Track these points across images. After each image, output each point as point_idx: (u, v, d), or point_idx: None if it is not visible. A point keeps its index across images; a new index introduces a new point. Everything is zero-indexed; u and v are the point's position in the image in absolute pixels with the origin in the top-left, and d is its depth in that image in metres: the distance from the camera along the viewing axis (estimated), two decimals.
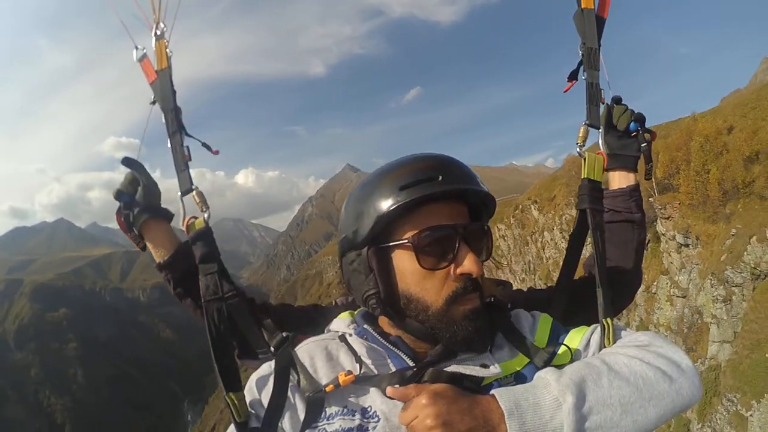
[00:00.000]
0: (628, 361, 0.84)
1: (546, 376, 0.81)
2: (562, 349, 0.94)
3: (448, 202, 0.93)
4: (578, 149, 1.24)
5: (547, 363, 0.90)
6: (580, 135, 1.24)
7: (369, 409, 0.87)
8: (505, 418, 0.74)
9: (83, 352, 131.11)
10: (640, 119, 1.34)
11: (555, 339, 0.99)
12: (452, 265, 0.90)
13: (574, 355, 0.94)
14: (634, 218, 1.37)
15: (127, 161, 1.25)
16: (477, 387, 0.85)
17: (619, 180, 1.39)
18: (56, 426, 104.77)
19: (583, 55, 1.27)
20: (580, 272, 1.38)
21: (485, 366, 0.88)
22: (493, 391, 0.79)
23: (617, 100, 1.36)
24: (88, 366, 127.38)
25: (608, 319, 1.00)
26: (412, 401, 0.79)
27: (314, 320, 1.27)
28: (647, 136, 1.35)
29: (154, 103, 1.24)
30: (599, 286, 1.07)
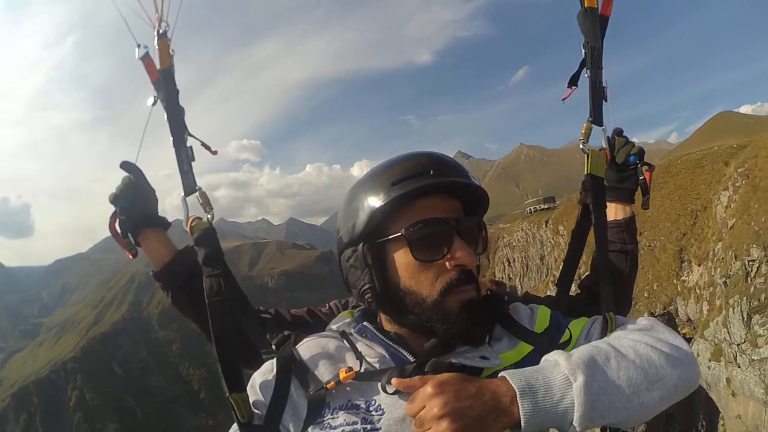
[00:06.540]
0: (633, 344, 0.83)
1: (554, 356, 0.79)
2: (565, 335, 0.94)
3: (442, 197, 0.93)
4: (581, 145, 1.23)
5: (550, 349, 0.86)
6: (583, 131, 1.24)
7: (373, 403, 0.87)
8: (518, 398, 0.72)
9: None
10: (639, 153, 1.36)
11: (555, 327, 0.98)
12: (446, 258, 0.89)
13: (576, 343, 0.93)
14: (627, 249, 1.40)
15: (126, 165, 1.23)
16: None
17: (615, 212, 1.42)
18: (193, 392, 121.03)
19: (586, 53, 1.24)
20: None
21: (485, 358, 0.88)
22: (502, 373, 0.77)
23: (618, 132, 1.38)
24: None
25: (611, 314, 0.99)
26: (418, 392, 0.77)
27: (308, 324, 1.32)
28: (644, 169, 1.36)
29: (155, 104, 1.17)
30: (602, 280, 1.10)
